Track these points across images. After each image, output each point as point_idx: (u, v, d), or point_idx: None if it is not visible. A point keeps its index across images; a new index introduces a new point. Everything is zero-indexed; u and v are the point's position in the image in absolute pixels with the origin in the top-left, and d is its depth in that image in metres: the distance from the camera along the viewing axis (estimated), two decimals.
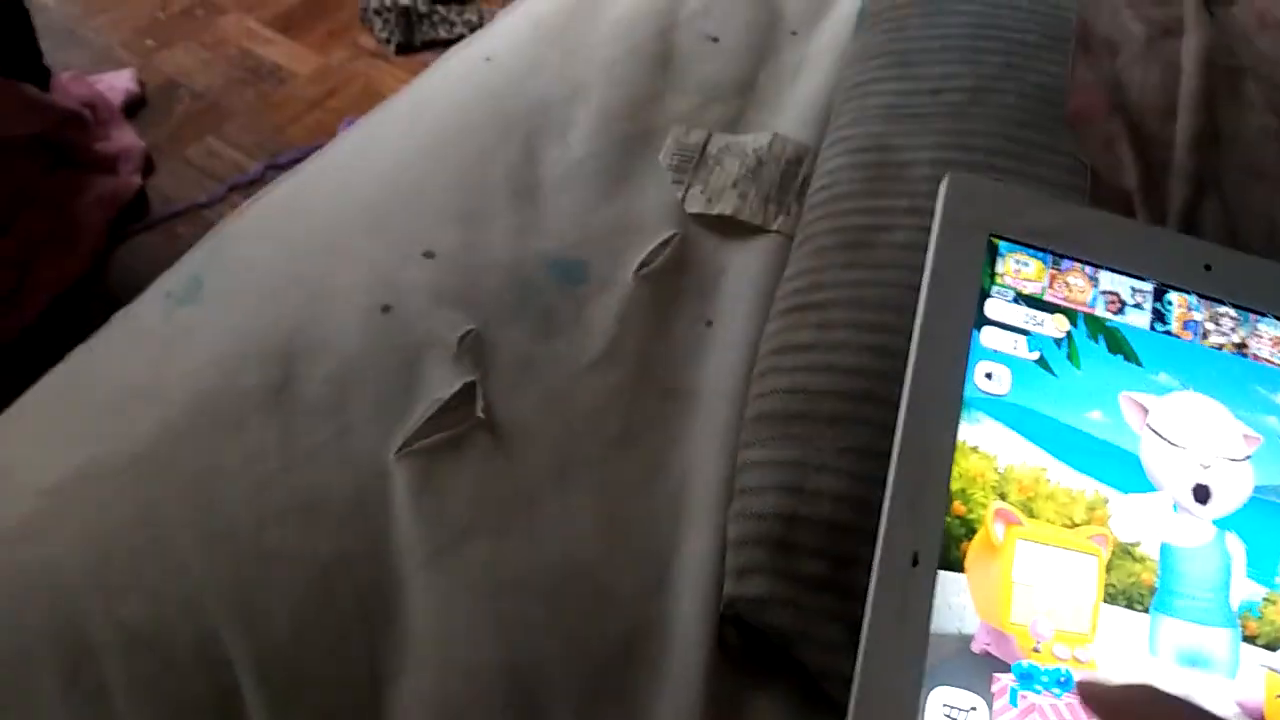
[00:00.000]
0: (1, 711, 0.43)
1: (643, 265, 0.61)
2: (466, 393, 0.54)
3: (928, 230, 0.56)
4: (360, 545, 0.49)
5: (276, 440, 0.51)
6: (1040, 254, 0.56)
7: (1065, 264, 0.56)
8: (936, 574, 0.46)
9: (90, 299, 1.35)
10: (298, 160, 1.54)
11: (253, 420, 0.52)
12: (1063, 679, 0.45)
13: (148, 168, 1.53)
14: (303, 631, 0.47)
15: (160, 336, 0.56)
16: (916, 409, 0.51)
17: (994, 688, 0.44)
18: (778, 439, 0.52)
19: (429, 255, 0.59)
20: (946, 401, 0.51)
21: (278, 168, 1.51)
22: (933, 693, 0.44)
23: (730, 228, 0.65)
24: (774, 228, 0.65)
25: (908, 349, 0.52)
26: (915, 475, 0.49)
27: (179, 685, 0.44)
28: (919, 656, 0.45)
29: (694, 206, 0.65)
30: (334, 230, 0.61)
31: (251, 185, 1.50)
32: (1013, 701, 0.44)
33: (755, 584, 0.49)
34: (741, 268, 0.63)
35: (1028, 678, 0.45)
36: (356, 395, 0.53)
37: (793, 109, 0.72)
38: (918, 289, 0.54)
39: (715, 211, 0.65)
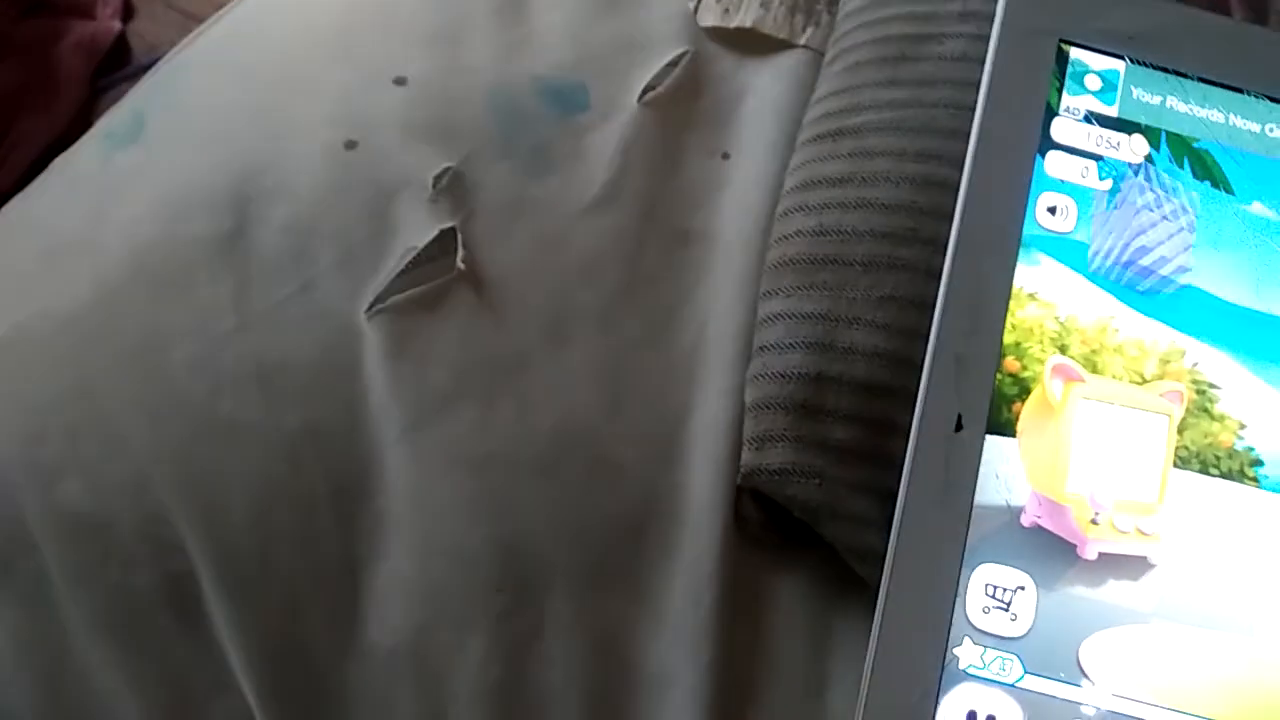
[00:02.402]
0: None
1: (648, 89, 0.53)
2: (445, 241, 0.47)
3: (984, 39, 0.48)
4: (329, 415, 0.43)
5: (229, 297, 0.45)
6: (1119, 62, 0.48)
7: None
8: (983, 439, 0.41)
9: None
10: None
11: (201, 275, 0.45)
12: None
13: (127, 12, 1.43)
14: (266, 513, 0.42)
15: (97, 182, 0.49)
16: (967, 250, 0.44)
17: None
18: (803, 288, 0.45)
19: (399, 82, 0.51)
20: (1003, 240, 0.45)
21: None
22: (976, 570, 0.40)
23: (750, 43, 0.56)
24: (802, 42, 0.56)
25: (958, 180, 0.45)
26: (962, 327, 0.43)
27: (125, 574, 0.40)
28: (961, 531, 0.41)
29: (708, 19, 0.56)
30: (292, 56, 0.53)
31: None
32: None
33: (776, 453, 0.43)
34: (763, 90, 0.54)
35: None
36: (320, 245, 0.47)
37: None
38: (971, 109, 0.46)
39: (733, 24, 0.56)
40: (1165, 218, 0.44)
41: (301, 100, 0.51)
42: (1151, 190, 0.45)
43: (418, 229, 0.47)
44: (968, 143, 0.46)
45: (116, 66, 1.38)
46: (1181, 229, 0.44)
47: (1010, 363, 0.42)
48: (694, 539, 0.43)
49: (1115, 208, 0.45)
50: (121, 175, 0.49)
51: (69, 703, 0.39)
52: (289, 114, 0.51)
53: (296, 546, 0.41)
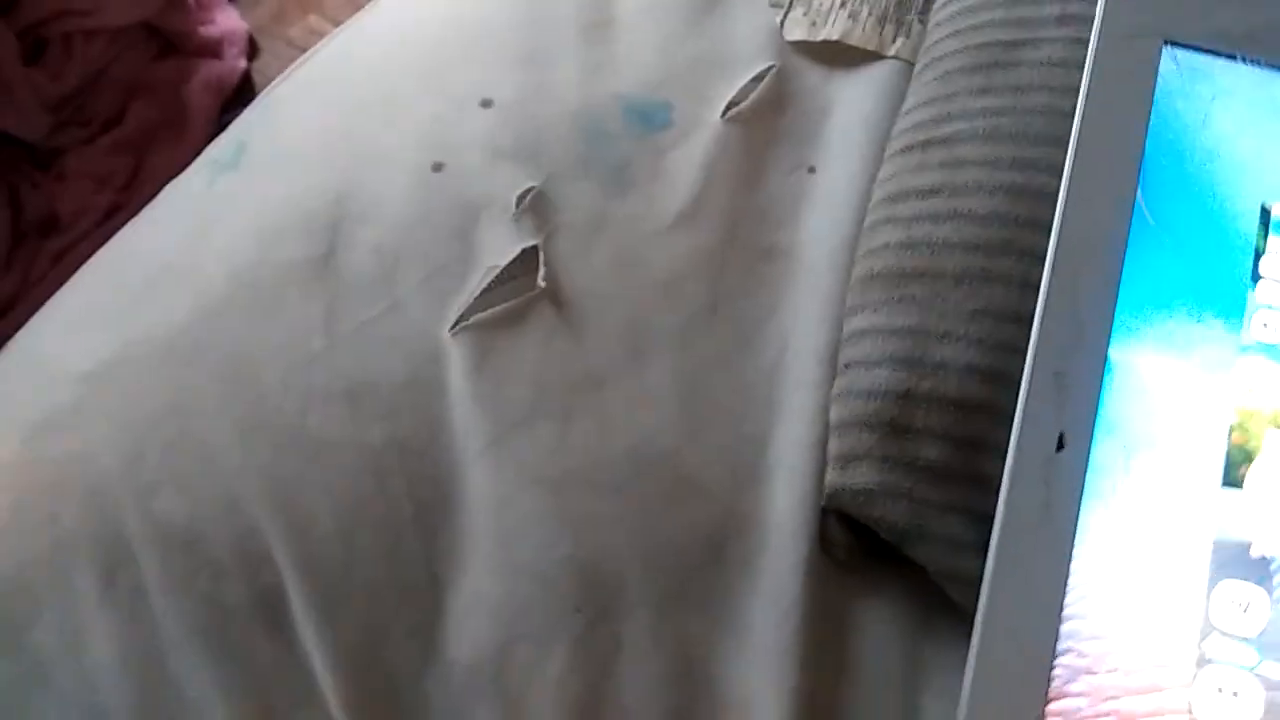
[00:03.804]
0: (41, 610, 0.41)
1: (732, 105, 0.52)
2: (527, 259, 0.47)
3: (1083, 43, 0.46)
4: (413, 432, 0.44)
5: (320, 317, 0.46)
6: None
7: None
8: (1087, 459, 0.39)
9: None
10: None
11: (293, 296, 0.47)
12: None
13: (251, 51, 1.50)
14: (351, 527, 0.42)
15: (200, 208, 0.51)
16: (1067, 262, 0.42)
17: None
18: (892, 302, 0.44)
19: (486, 104, 0.52)
20: (1106, 251, 0.42)
21: None
22: None
23: (838, 56, 0.55)
24: (891, 53, 0.54)
25: (1056, 188, 0.43)
26: (1063, 342, 0.41)
27: (218, 586, 0.41)
28: (1064, 555, 0.38)
29: (795, 33, 0.55)
30: (384, 82, 0.54)
31: None
32: None
33: (863, 473, 0.41)
34: (851, 103, 0.53)
35: None
36: (407, 266, 0.47)
37: None
38: (1069, 116, 0.44)
39: (820, 37, 0.55)
40: None
41: (392, 124, 0.52)
42: None
43: (500, 248, 0.48)
44: (1066, 150, 0.44)
45: (242, 103, 1.45)
46: None
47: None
48: (777, 561, 0.42)
49: None
50: (222, 200, 0.51)
51: (163, 709, 0.40)
52: (379, 138, 0.52)
53: (381, 561, 0.42)
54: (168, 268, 0.49)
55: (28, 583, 0.41)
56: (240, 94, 1.46)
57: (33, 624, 0.40)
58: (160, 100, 1.40)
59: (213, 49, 1.48)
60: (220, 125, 1.43)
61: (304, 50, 1.64)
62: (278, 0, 1.58)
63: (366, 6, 0.63)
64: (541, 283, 0.47)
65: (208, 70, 1.45)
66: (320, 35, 1.59)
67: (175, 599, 0.41)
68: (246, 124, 0.56)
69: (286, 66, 1.62)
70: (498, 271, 0.47)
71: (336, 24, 1.61)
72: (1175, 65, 0.45)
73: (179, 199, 0.53)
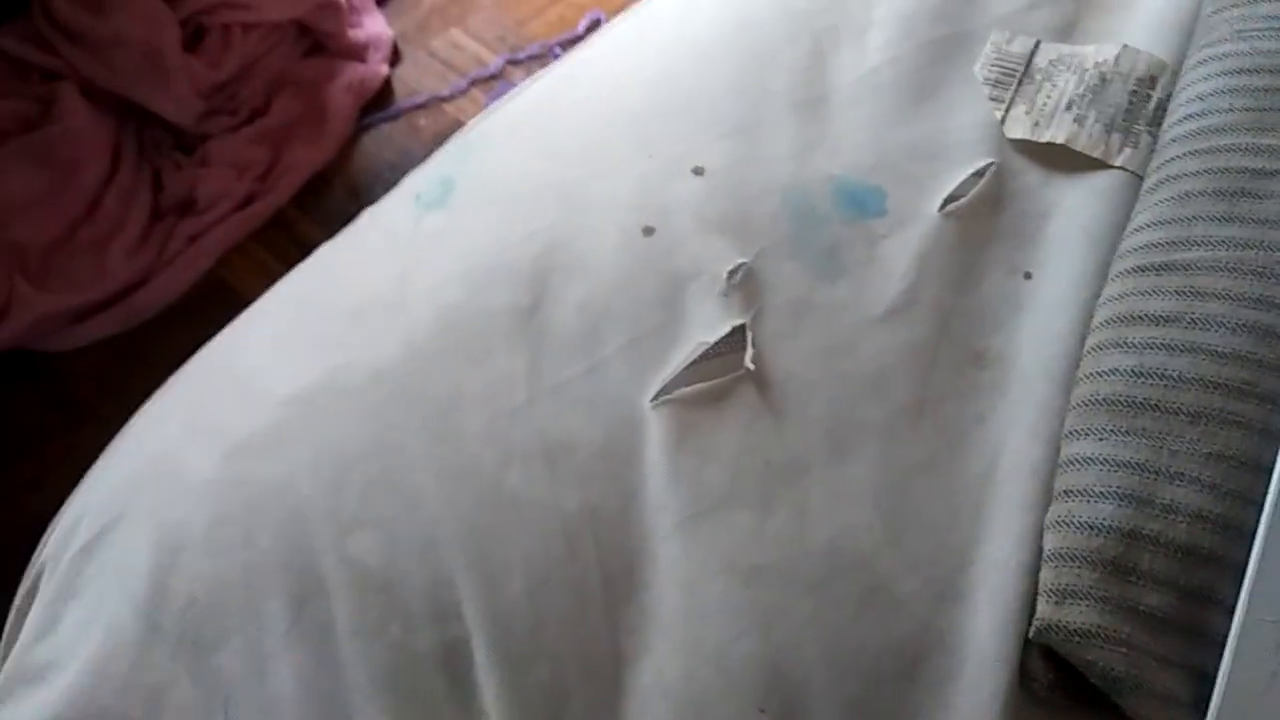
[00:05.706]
0: (230, 634, 0.41)
1: (950, 199, 0.51)
2: (735, 338, 0.46)
3: None
4: (608, 500, 0.43)
5: (524, 370, 0.46)
6: None
7: None
8: None
9: (334, 186, 1.38)
10: (537, 56, 1.48)
11: (499, 345, 0.46)
12: None
13: (394, 57, 1.53)
14: (541, 590, 0.41)
15: (407, 242, 0.52)
16: None
17: None
18: (1120, 433, 0.42)
19: (698, 172, 0.52)
20: None
21: (517, 63, 1.48)
22: None
23: (1061, 159, 0.53)
24: (1117, 163, 0.53)
25: None
26: None
27: (406, 634, 0.40)
28: None
29: (1016, 131, 0.54)
30: (594, 137, 0.54)
31: (490, 80, 1.48)
32: None
33: (1079, 612, 0.39)
34: (1071, 210, 0.51)
35: None
36: (611, 328, 0.47)
37: (1145, 13, 0.58)
38: None
39: (1044, 139, 0.53)
40: None
41: (602, 181, 0.52)
42: None
43: (708, 322, 0.47)
44: None
45: (379, 107, 1.48)
46: None
47: None
48: (972, 689, 0.40)
49: None
50: (429, 239, 0.51)
51: None
52: (589, 194, 0.52)
53: (567, 629, 0.41)
54: (375, 301, 0.49)
55: (219, 603, 0.41)
56: (379, 98, 1.50)
57: (220, 647, 0.40)
58: (303, 96, 1.43)
59: (358, 52, 1.51)
60: (358, 127, 1.46)
61: (444, 62, 1.66)
62: (423, 11, 1.61)
63: (570, 54, 0.63)
64: (750, 364, 0.46)
65: (351, 72, 1.48)
66: (461, 50, 1.62)
67: (364, 642, 0.40)
68: (450, 161, 0.56)
69: (425, 75, 1.64)
70: (706, 348, 0.46)
71: (479, 40, 1.64)
72: None
73: (383, 231, 0.53)
